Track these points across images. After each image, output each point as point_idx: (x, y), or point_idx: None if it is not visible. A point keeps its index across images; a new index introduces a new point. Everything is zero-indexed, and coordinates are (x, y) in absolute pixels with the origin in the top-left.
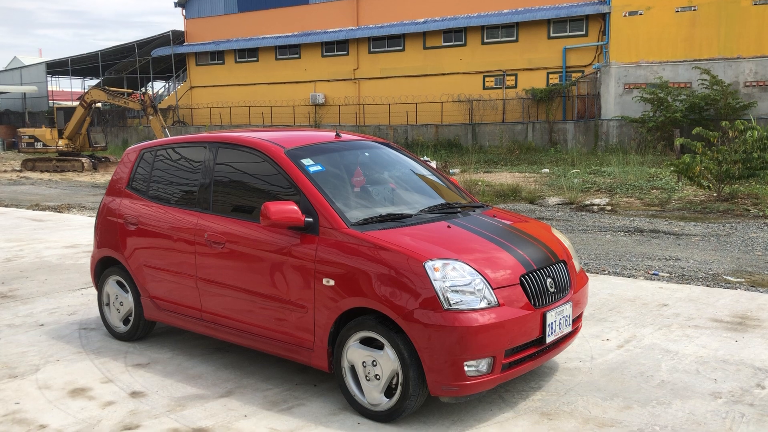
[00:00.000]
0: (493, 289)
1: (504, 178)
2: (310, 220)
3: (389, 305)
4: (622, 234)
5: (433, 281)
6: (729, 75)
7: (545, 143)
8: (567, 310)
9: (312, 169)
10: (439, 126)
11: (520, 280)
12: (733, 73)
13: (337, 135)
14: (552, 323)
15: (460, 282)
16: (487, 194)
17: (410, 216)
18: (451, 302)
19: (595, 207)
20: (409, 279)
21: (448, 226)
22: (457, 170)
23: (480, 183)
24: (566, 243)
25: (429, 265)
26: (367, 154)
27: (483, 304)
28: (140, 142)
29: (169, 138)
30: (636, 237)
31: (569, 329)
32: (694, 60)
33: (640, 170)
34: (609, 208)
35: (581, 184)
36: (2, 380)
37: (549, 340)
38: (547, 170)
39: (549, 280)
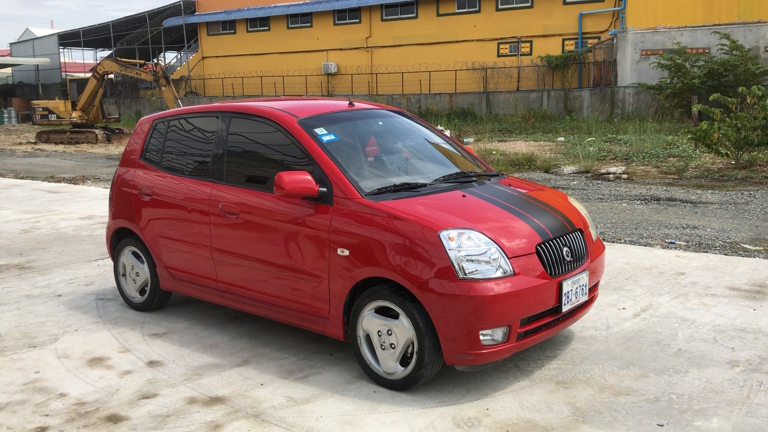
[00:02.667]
0: (508, 258)
1: (519, 146)
2: (324, 189)
3: (404, 275)
4: (638, 202)
5: (448, 251)
6: (749, 40)
7: (560, 111)
8: (583, 279)
9: (325, 138)
10: (452, 94)
11: (536, 249)
12: (753, 37)
13: (351, 104)
14: (568, 292)
15: (475, 251)
16: (501, 163)
17: (425, 185)
18: (467, 271)
19: (611, 175)
20: (424, 248)
21: (463, 195)
22: (471, 139)
23: (494, 152)
24: (583, 211)
25: (444, 234)
26: (380, 123)
27: (498, 274)
28: (153, 113)
29: (182, 108)
30: (652, 205)
31: (585, 298)
32: (713, 25)
33: (656, 138)
34: (625, 176)
35: (597, 153)
36: (22, 350)
37: (565, 309)
38: (562, 139)
39: (565, 248)
